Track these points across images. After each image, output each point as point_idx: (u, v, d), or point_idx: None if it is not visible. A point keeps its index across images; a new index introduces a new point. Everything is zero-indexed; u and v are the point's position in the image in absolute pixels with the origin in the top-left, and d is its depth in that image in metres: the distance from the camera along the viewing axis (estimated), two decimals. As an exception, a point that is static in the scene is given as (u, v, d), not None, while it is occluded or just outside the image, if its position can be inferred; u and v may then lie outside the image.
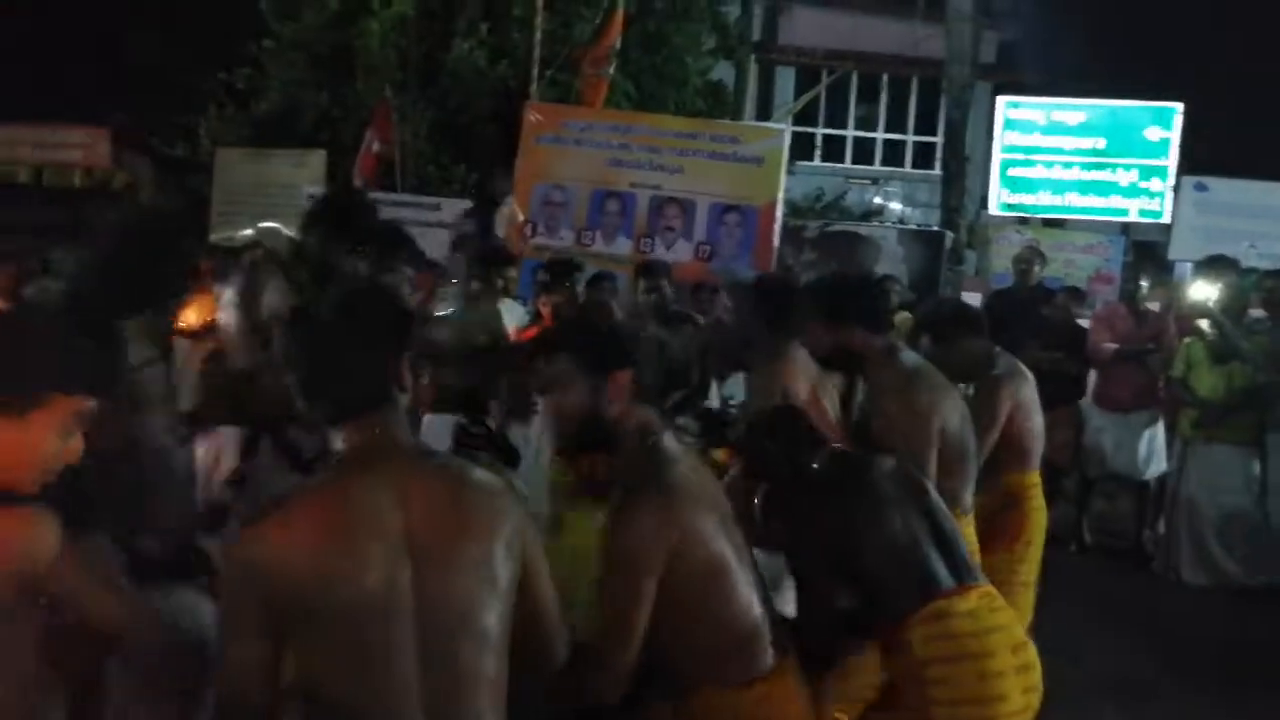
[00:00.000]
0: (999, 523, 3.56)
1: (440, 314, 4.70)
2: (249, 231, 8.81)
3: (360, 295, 1.73)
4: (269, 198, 8.95)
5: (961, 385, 3.95)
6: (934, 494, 2.50)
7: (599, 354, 2.03)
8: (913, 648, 2.23)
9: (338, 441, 1.63)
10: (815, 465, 2.44)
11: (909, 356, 3.05)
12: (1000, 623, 2.33)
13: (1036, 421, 3.72)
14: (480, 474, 1.70)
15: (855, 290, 3.14)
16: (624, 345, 2.08)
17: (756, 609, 2.01)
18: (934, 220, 18.30)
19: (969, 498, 3.03)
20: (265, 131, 11.39)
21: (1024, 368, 3.75)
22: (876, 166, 20.99)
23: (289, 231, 8.52)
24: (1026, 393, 3.65)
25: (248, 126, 11.60)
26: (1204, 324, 5.83)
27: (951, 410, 2.96)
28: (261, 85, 11.46)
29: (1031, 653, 2.36)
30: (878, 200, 20.28)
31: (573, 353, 2.03)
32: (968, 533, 2.87)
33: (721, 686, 1.96)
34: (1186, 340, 5.93)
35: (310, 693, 1.54)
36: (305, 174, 8.84)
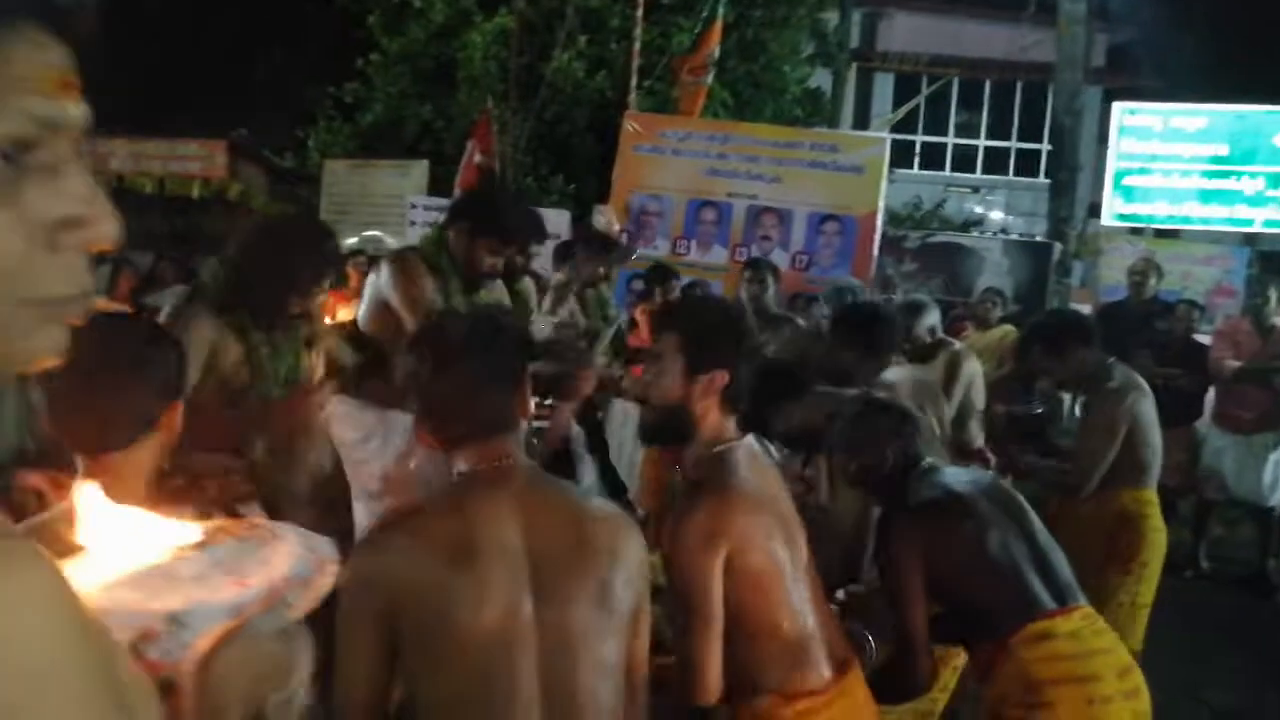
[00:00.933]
0: (1116, 541, 3.47)
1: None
2: (355, 240, 9.11)
3: (489, 324, 1.72)
4: (374, 207, 9.25)
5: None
6: (1032, 513, 2.43)
7: (705, 346, 1.96)
8: (1019, 668, 2.16)
9: (459, 464, 1.64)
10: (912, 483, 2.40)
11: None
12: (1104, 645, 2.25)
13: (1155, 438, 3.59)
14: (600, 502, 1.73)
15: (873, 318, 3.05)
16: (733, 345, 2.00)
17: (810, 620, 1.93)
18: (1037, 229, 17.80)
19: None
20: (370, 142, 11.80)
21: (1142, 381, 3.61)
22: (978, 174, 20.51)
23: (392, 240, 8.78)
24: (1145, 407, 3.53)
25: (354, 138, 12.02)
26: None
27: None
28: (368, 98, 11.84)
29: (1138, 677, 2.26)
30: (978, 209, 19.82)
31: (681, 336, 1.97)
32: None
33: (765, 696, 1.90)
34: (1318, 358, 5.61)
35: (422, 716, 1.54)
36: (409, 184, 9.10)
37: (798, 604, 1.92)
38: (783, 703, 1.89)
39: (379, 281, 3.09)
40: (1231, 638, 5.17)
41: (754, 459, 2.02)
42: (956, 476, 2.48)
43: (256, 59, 13.58)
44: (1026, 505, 2.45)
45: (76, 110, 0.64)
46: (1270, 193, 7.64)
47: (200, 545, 0.95)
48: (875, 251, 7.01)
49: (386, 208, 9.04)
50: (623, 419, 4.74)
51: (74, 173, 0.64)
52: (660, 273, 5.49)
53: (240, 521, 1.13)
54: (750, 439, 2.03)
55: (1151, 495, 3.61)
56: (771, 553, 1.90)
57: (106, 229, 0.66)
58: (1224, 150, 7.70)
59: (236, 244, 2.55)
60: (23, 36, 0.61)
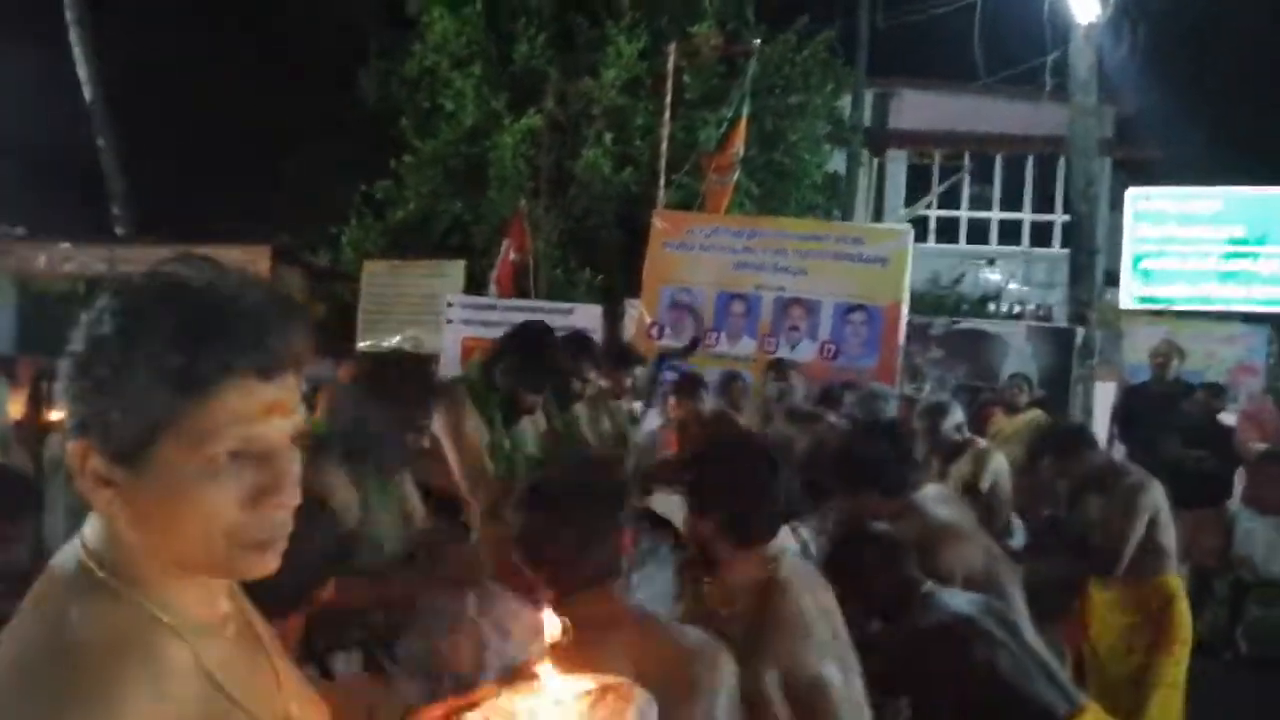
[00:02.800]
0: (1160, 625, 3.64)
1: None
2: (396, 339, 9.38)
3: (590, 473, 1.91)
4: (412, 307, 9.54)
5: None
6: (1027, 625, 2.57)
7: (731, 522, 2.17)
8: None
9: (571, 609, 1.81)
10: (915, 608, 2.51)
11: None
12: None
13: (1171, 523, 3.77)
14: (695, 635, 1.87)
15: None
16: (761, 522, 2.20)
17: None
18: (1053, 299, 18.01)
19: None
20: (401, 238, 12.15)
21: (1149, 475, 3.79)
22: (993, 246, 20.78)
23: (428, 340, 9.05)
24: (1161, 497, 3.73)
25: (385, 234, 12.38)
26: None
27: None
28: (399, 196, 12.21)
29: None
30: (994, 277, 20.05)
31: (714, 516, 2.18)
32: None
33: None
34: (1343, 441, 5.73)
35: None
36: (447, 283, 9.39)
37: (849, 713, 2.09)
38: None
39: None
40: (1273, 722, 5.19)
41: (801, 571, 2.23)
42: (959, 600, 2.60)
43: (290, 158, 14.06)
44: (1019, 620, 2.59)
45: (283, 423, 0.95)
46: (1289, 272, 7.85)
47: None
48: (901, 340, 7.17)
49: (425, 307, 9.31)
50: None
51: (277, 457, 0.94)
52: (689, 384, 5.63)
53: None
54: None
55: (1179, 579, 3.78)
56: (822, 669, 2.07)
57: (290, 496, 0.95)
58: (1240, 231, 7.91)
59: (348, 392, 2.73)
60: (236, 376, 0.91)
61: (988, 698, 2.39)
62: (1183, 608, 3.73)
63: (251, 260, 9.90)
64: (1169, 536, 3.73)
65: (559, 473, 2.01)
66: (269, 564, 0.96)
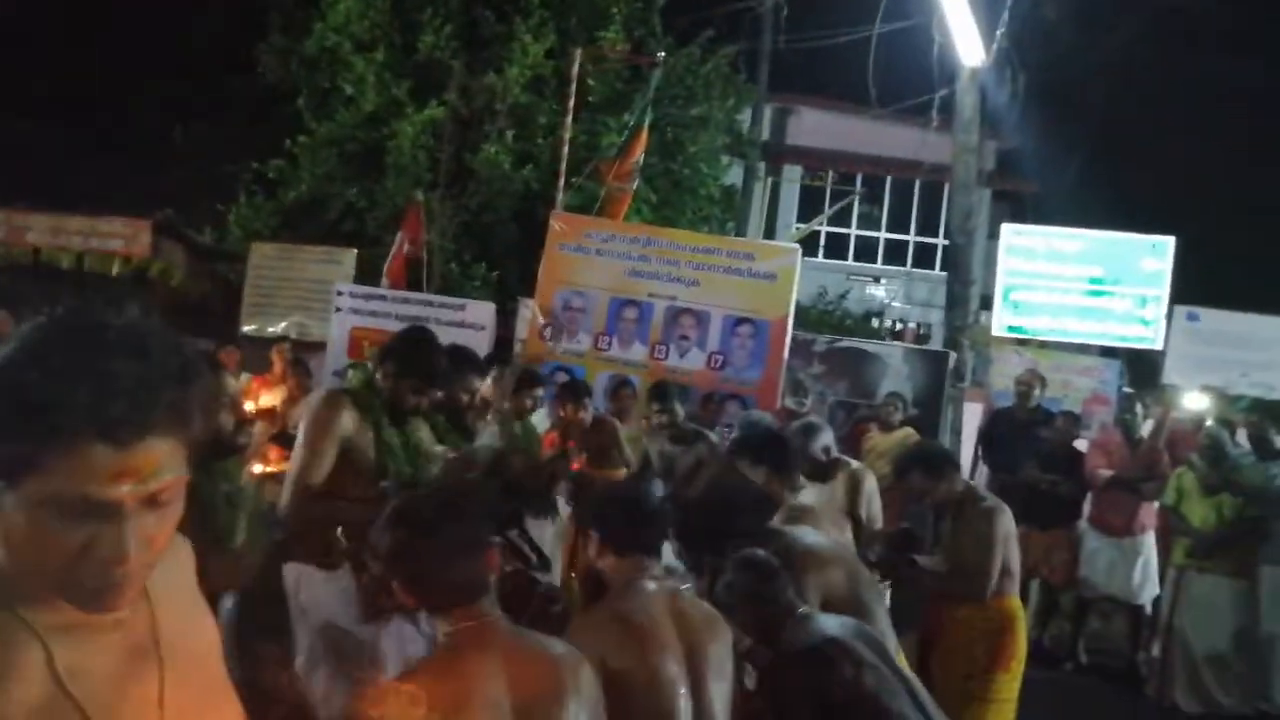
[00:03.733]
0: (1001, 643, 3.84)
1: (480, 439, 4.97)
2: (283, 325, 9.14)
3: (459, 497, 1.97)
4: (301, 293, 9.30)
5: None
6: (894, 646, 2.72)
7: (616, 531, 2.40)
8: None
9: (444, 626, 1.89)
10: (789, 632, 2.63)
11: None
12: None
13: (1017, 547, 4.01)
14: (560, 646, 1.99)
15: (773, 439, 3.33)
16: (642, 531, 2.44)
17: None
18: (933, 318, 18.83)
19: None
20: (292, 221, 11.81)
21: (1000, 501, 4.02)
22: (879, 265, 21.57)
23: (316, 328, 8.86)
24: (1011, 522, 3.96)
25: (275, 215, 12.02)
26: (1194, 456, 6.10)
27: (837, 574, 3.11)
28: (292, 177, 11.88)
29: None
30: (879, 294, 20.82)
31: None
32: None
33: None
34: (1178, 470, 6.19)
35: None
36: (338, 271, 9.20)
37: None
38: None
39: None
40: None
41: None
42: (829, 623, 2.72)
43: (181, 131, 13.52)
44: (887, 644, 2.75)
45: (135, 488, 1.01)
46: (1137, 312, 8.41)
47: None
48: (785, 355, 7.41)
49: (313, 293, 9.10)
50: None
51: (117, 519, 1.00)
52: (573, 390, 5.76)
53: None
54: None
55: (1019, 601, 4.03)
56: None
57: (129, 556, 1.02)
58: (1099, 271, 8.45)
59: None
60: (80, 440, 0.97)
61: (852, 717, 2.52)
62: (1022, 627, 3.96)
63: (132, 232, 9.53)
64: (1015, 560, 3.98)
65: (426, 496, 2.06)
66: (106, 607, 1.03)
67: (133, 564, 1.01)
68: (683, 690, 2.23)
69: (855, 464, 4.65)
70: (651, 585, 2.36)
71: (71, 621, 1.03)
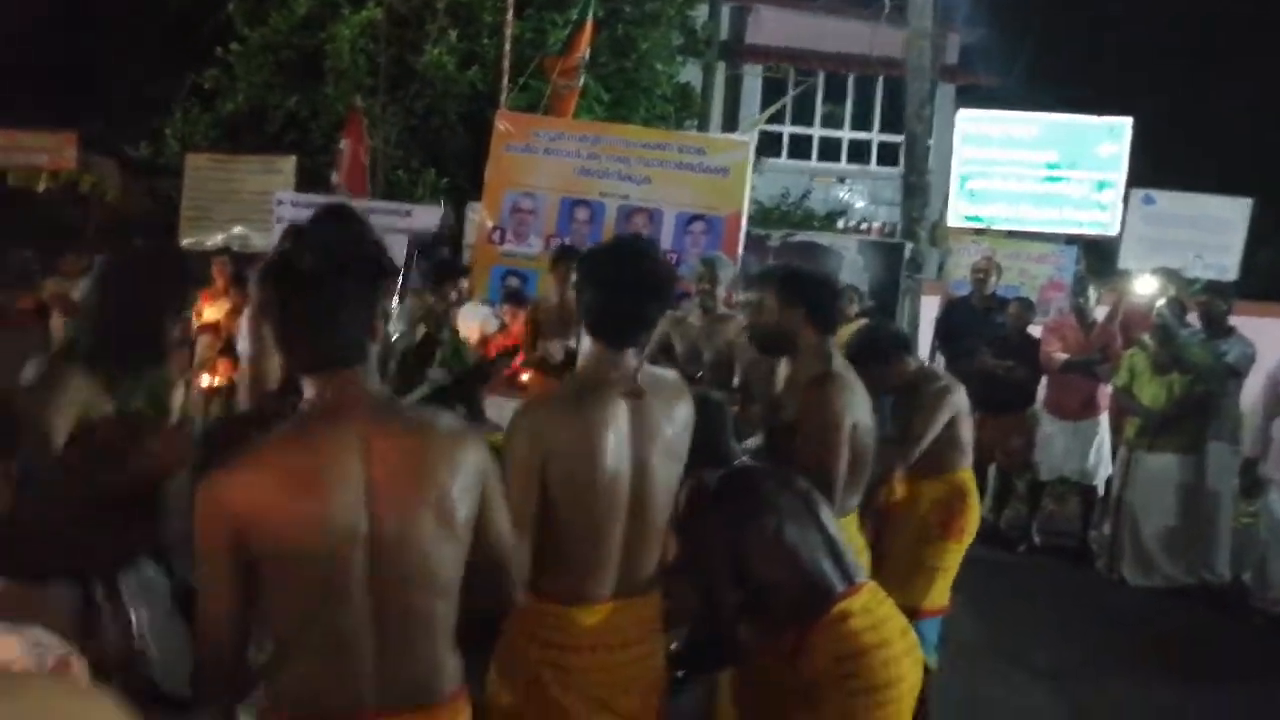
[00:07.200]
0: (951, 514, 3.88)
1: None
2: (221, 237, 8.86)
3: (348, 250, 1.69)
4: (240, 204, 8.99)
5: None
6: (821, 501, 2.66)
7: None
8: (826, 647, 2.42)
9: (308, 390, 1.70)
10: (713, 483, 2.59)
11: (839, 360, 3.17)
12: (888, 612, 2.55)
13: (970, 423, 4.01)
14: (445, 419, 1.79)
15: (817, 284, 3.19)
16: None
17: None
18: (899, 218, 18.71)
19: (854, 501, 3.21)
20: (232, 132, 11.41)
21: (955, 379, 4.00)
22: (843, 164, 21.31)
23: (259, 239, 8.59)
24: (963, 399, 3.95)
25: (214, 128, 11.61)
26: (1146, 336, 6.09)
27: (864, 415, 3.08)
28: (229, 87, 11.42)
29: (913, 633, 2.59)
30: (843, 195, 20.62)
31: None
32: (851, 532, 3.04)
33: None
34: (1130, 351, 6.20)
35: (274, 633, 1.67)
36: (278, 180, 8.88)
37: None
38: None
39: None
40: (1056, 605, 5.71)
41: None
42: (761, 471, 2.72)
43: (101, 44, 12.87)
44: (817, 494, 2.69)
45: None
46: (1094, 196, 8.33)
47: None
48: (740, 250, 7.30)
49: (253, 204, 8.79)
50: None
51: None
52: (566, 254, 5.64)
53: None
54: None
55: (972, 474, 4.05)
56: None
57: None
58: (1054, 156, 8.33)
59: (91, 293, 2.45)
60: None
61: (770, 567, 2.48)
62: (974, 501, 3.99)
63: (56, 146, 9.14)
64: (967, 434, 3.96)
65: (302, 249, 1.69)
66: None
67: None
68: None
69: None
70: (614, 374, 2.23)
71: None
